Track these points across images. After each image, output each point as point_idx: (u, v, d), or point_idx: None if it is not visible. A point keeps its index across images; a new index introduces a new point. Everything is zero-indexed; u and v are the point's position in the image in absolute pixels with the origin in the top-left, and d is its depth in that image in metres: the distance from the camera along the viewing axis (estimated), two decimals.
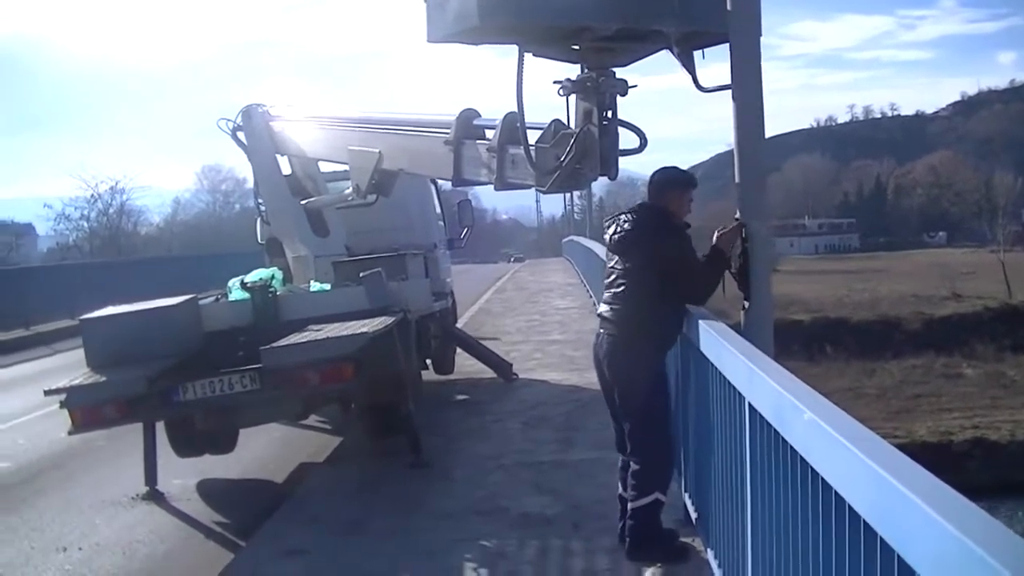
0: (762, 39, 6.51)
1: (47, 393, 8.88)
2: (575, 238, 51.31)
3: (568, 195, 78.05)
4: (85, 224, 73.20)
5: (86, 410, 8.78)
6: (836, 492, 3.01)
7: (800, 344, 51.03)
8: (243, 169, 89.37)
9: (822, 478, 3.17)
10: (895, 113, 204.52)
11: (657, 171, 6.87)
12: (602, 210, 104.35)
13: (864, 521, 2.74)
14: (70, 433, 8.99)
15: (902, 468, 2.57)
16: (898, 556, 2.46)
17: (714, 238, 6.62)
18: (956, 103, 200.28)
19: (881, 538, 2.60)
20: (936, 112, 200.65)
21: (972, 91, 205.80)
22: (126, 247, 69.63)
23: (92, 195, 72.71)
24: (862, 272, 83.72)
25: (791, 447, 3.57)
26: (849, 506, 2.88)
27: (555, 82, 7.20)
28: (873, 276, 79.16)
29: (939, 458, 29.65)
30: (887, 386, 49.57)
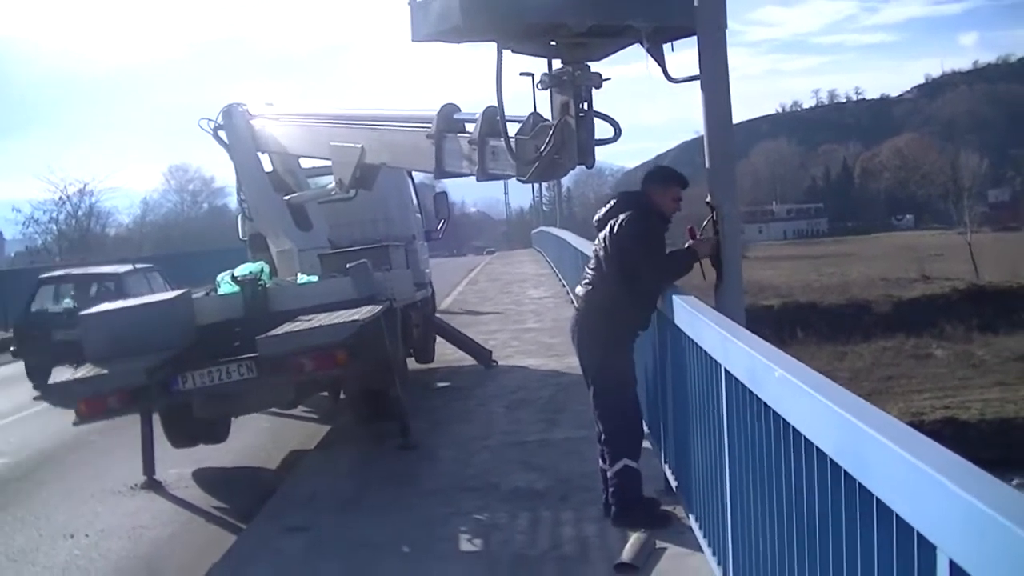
0: (728, 26, 6.94)
1: (51, 386, 9.23)
2: (545, 229, 51.51)
3: (537, 186, 78.61)
4: (54, 227, 73.26)
5: (90, 401, 9.12)
6: (805, 437, 3.41)
7: (771, 329, 51.21)
8: (210, 168, 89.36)
9: (792, 427, 3.57)
10: (860, 97, 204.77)
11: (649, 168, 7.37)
12: (570, 200, 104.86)
13: (830, 459, 3.13)
14: (75, 424, 9.32)
15: (861, 410, 2.97)
16: (859, 485, 2.86)
17: (688, 242, 7.09)
18: (920, 85, 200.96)
19: (845, 471, 2.99)
20: (901, 95, 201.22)
21: (936, 73, 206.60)
22: (96, 249, 69.60)
23: (60, 198, 72.81)
24: (831, 256, 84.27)
25: (764, 403, 3.96)
26: (816, 448, 3.27)
27: (522, 74, 7.54)
28: (842, 260, 79.66)
29: None
30: (858, 368, 49.93)
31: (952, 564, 2.21)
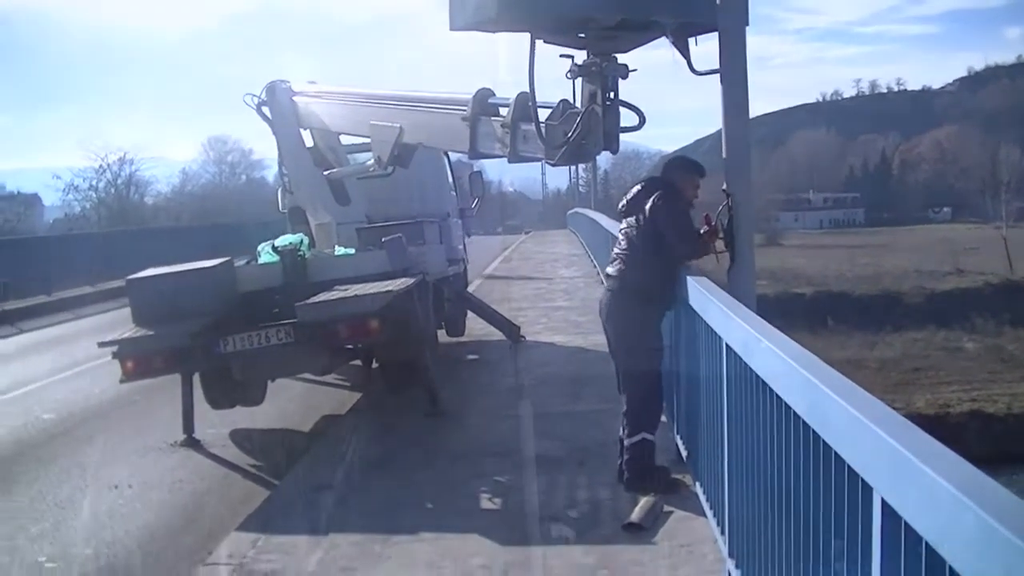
0: (770, 13, 7.47)
1: (100, 345, 9.76)
2: (580, 210, 51.69)
3: (574, 168, 78.72)
4: (93, 194, 74.03)
5: (137, 360, 9.63)
6: (785, 402, 3.84)
7: (802, 316, 51.48)
8: (249, 140, 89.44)
9: (776, 394, 4.00)
10: (901, 88, 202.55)
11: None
12: (607, 183, 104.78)
13: (803, 421, 3.57)
14: (121, 381, 9.82)
15: (830, 378, 3.40)
16: (823, 442, 3.29)
17: (704, 228, 7.65)
18: (963, 78, 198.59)
19: (813, 431, 3.43)
20: (943, 87, 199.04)
21: (979, 66, 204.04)
22: (134, 217, 70.31)
23: (100, 166, 73.56)
24: (866, 247, 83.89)
25: (754, 372, 4.40)
26: (794, 412, 3.71)
27: (562, 55, 7.97)
28: (877, 251, 79.37)
29: (936, 429, 30.12)
30: (887, 359, 50.00)
31: (883, 502, 2.65)
